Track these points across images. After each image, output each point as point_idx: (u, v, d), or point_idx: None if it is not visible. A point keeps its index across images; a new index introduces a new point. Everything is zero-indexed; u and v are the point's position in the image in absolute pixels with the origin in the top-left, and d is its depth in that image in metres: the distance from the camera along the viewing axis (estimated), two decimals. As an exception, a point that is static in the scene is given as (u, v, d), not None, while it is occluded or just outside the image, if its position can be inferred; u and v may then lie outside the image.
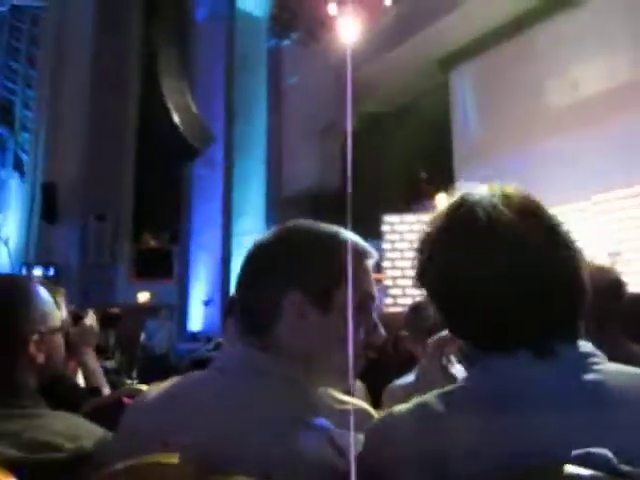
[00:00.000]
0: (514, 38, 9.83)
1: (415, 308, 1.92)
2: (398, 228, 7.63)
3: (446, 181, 11.28)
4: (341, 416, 1.23)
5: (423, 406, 0.73)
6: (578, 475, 0.55)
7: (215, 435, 0.77)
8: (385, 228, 7.60)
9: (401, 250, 7.54)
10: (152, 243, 12.33)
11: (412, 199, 11.52)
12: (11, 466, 0.86)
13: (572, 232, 0.75)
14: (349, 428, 1.00)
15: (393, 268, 7.49)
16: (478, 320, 0.71)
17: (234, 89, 12.09)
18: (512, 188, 0.75)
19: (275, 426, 0.78)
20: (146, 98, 11.79)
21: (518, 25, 9.60)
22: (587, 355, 0.70)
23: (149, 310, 10.24)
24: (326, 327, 0.87)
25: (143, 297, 11.41)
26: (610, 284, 1.66)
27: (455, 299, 0.73)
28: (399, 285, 7.44)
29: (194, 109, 9.97)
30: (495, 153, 10.25)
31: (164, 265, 11.95)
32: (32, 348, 1.14)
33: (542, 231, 0.70)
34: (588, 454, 0.57)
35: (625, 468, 0.56)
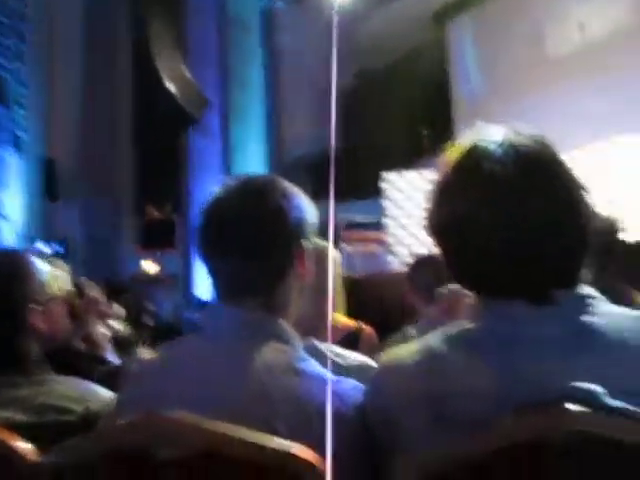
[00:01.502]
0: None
1: (416, 264, 1.92)
2: (399, 185, 7.55)
3: (447, 137, 11.17)
4: (345, 370, 1.25)
5: (426, 347, 0.74)
6: (569, 410, 0.55)
7: (217, 396, 0.78)
8: (385, 185, 7.53)
9: (403, 207, 7.49)
10: (155, 214, 12.33)
11: (414, 155, 11.43)
12: (23, 430, 0.87)
13: (580, 182, 0.75)
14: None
15: (396, 226, 7.45)
16: (478, 267, 0.73)
17: (228, 53, 11.88)
18: (526, 136, 0.75)
19: (275, 378, 0.78)
20: (139, 67, 11.60)
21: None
22: (585, 297, 0.71)
23: (156, 280, 10.31)
24: (315, 283, 0.95)
25: (149, 268, 11.48)
26: (604, 221, 1.65)
27: (458, 246, 0.74)
28: (404, 243, 7.42)
29: (188, 75, 9.81)
30: (496, 106, 10.08)
31: (168, 236, 11.98)
32: (33, 317, 1.16)
33: (543, 190, 0.71)
34: (578, 389, 0.58)
35: (614, 403, 0.57)
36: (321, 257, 1.40)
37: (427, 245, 7.33)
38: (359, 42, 8.74)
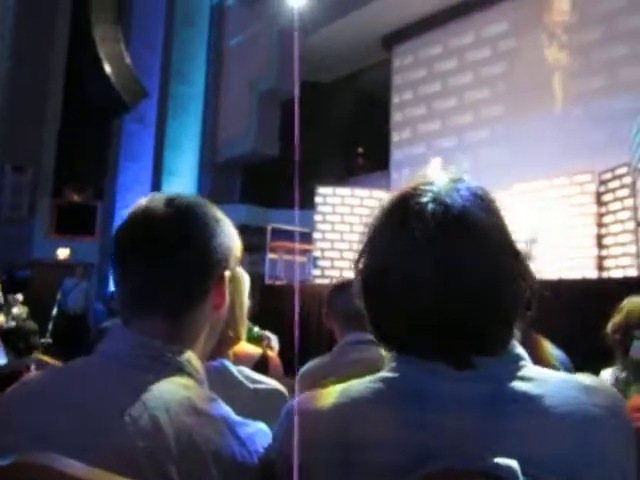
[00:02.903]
0: (456, 22, 9.95)
1: (338, 287, 1.86)
2: (331, 200, 7.62)
3: (382, 157, 11.39)
4: (254, 396, 1.20)
5: (344, 394, 0.69)
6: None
7: (102, 434, 0.69)
8: (318, 199, 7.57)
9: (332, 223, 7.55)
10: (75, 198, 11.76)
11: (348, 172, 11.57)
12: None
13: (513, 244, 0.71)
14: (262, 408, 0.96)
15: (323, 240, 7.50)
16: (395, 328, 0.68)
17: (173, 44, 11.62)
18: (463, 190, 0.70)
19: (171, 417, 0.71)
20: (75, 44, 11.10)
21: (459, 11, 9.72)
22: (511, 361, 0.68)
23: (67, 268, 9.80)
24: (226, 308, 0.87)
25: (62, 254, 10.91)
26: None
27: (376, 302, 0.69)
28: (327, 257, 7.48)
29: (128, 60, 9.47)
30: (431, 133, 10.44)
31: (87, 222, 11.45)
32: None
33: (469, 253, 0.66)
34: (494, 465, 0.56)
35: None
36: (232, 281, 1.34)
37: (350, 261, 7.44)
38: (307, 54, 8.78)
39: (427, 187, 0.70)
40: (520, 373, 0.66)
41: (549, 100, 8.70)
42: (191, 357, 0.80)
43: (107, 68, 8.96)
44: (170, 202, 0.84)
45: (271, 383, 1.21)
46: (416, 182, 0.72)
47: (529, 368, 0.68)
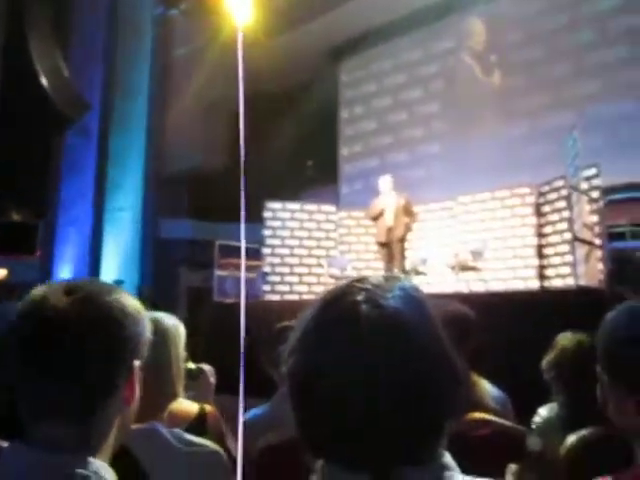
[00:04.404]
0: (401, 37, 10.13)
1: (278, 331, 1.81)
2: (280, 215, 7.58)
3: (331, 171, 11.43)
4: (188, 459, 1.15)
5: None
6: None
7: None
8: (267, 214, 7.52)
9: (282, 237, 7.52)
10: (15, 216, 11.28)
11: (297, 186, 11.56)
12: None
13: (447, 349, 0.68)
14: (197, 471, 0.92)
15: (272, 255, 7.45)
16: (325, 426, 0.64)
17: (115, 55, 11.34)
18: (383, 290, 0.67)
19: None
20: (10, 58, 10.68)
21: (405, 26, 9.91)
22: (435, 472, 0.65)
23: (4, 289, 9.38)
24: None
25: (0, 274, 10.44)
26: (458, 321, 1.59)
27: (309, 395, 0.66)
28: (277, 272, 7.43)
29: (66, 73, 9.17)
30: (379, 146, 10.57)
31: (26, 240, 10.99)
32: None
33: (398, 360, 0.63)
34: None
35: None
36: (163, 334, 1.29)
37: (300, 275, 7.40)
38: (255, 66, 8.74)
39: (361, 285, 0.68)
40: None
41: (492, 116, 8.97)
42: (100, 468, 0.72)
43: (44, 82, 8.65)
44: (69, 293, 0.76)
45: (206, 444, 1.17)
46: (351, 280, 0.70)
47: (455, 478, 0.65)
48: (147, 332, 0.79)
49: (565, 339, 1.72)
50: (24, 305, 0.76)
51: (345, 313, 0.65)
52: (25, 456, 0.71)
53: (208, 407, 1.43)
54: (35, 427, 0.72)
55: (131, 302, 0.80)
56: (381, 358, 0.62)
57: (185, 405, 1.34)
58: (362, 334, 0.63)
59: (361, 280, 0.69)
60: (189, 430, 1.19)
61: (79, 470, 0.70)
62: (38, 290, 0.78)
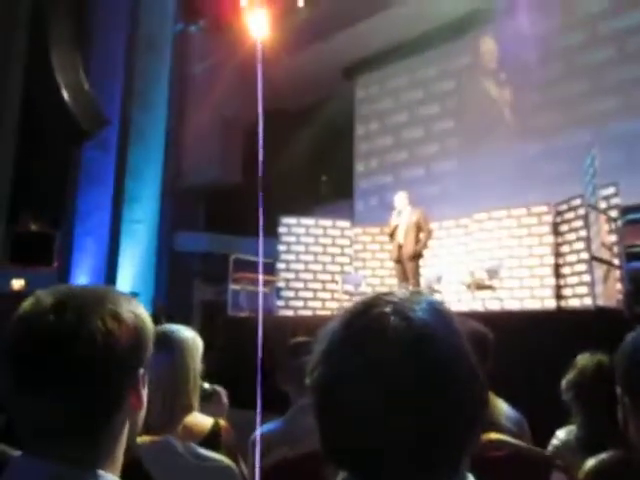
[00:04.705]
0: (417, 55, 10.17)
1: (292, 348, 1.80)
2: (295, 230, 7.59)
3: (346, 186, 11.44)
4: (200, 474, 1.14)
5: None
6: None
7: None
8: (282, 229, 7.53)
9: (297, 253, 7.52)
10: (32, 227, 11.42)
11: (312, 201, 11.60)
12: None
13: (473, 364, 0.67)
14: None
15: (287, 270, 7.45)
16: (347, 441, 0.64)
17: (135, 70, 11.51)
18: (426, 297, 0.68)
19: None
20: (33, 71, 10.89)
21: (421, 44, 9.95)
22: None
23: (22, 300, 9.48)
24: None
25: (17, 284, 10.55)
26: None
27: (332, 408, 0.64)
28: (291, 287, 7.42)
29: (87, 87, 9.33)
30: (394, 162, 10.57)
31: (44, 251, 11.11)
32: None
33: (435, 368, 0.63)
34: None
35: None
36: (181, 346, 1.28)
37: (315, 291, 7.38)
38: (272, 83, 8.83)
39: (388, 298, 0.67)
40: None
41: (508, 134, 8.94)
42: (106, 478, 0.71)
43: (65, 95, 8.80)
44: (59, 308, 0.73)
45: (220, 459, 1.16)
46: (377, 293, 0.70)
47: None
48: (148, 337, 0.77)
49: (585, 359, 1.68)
50: (14, 327, 0.73)
51: (373, 324, 0.65)
52: (37, 468, 0.70)
53: (222, 422, 1.42)
54: (38, 450, 0.70)
55: (126, 309, 0.76)
56: (409, 370, 0.61)
57: (199, 419, 1.33)
58: (390, 345, 0.62)
59: (387, 293, 0.68)
60: (203, 444, 1.19)
61: None
62: (26, 306, 0.74)
